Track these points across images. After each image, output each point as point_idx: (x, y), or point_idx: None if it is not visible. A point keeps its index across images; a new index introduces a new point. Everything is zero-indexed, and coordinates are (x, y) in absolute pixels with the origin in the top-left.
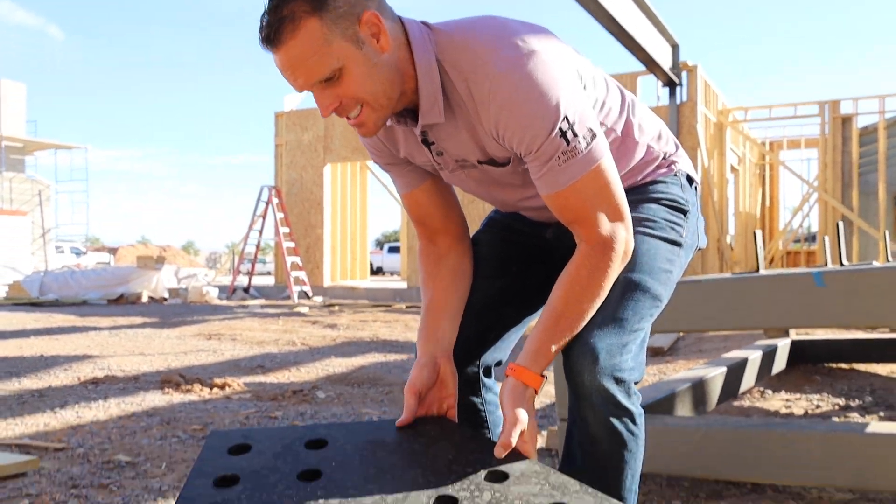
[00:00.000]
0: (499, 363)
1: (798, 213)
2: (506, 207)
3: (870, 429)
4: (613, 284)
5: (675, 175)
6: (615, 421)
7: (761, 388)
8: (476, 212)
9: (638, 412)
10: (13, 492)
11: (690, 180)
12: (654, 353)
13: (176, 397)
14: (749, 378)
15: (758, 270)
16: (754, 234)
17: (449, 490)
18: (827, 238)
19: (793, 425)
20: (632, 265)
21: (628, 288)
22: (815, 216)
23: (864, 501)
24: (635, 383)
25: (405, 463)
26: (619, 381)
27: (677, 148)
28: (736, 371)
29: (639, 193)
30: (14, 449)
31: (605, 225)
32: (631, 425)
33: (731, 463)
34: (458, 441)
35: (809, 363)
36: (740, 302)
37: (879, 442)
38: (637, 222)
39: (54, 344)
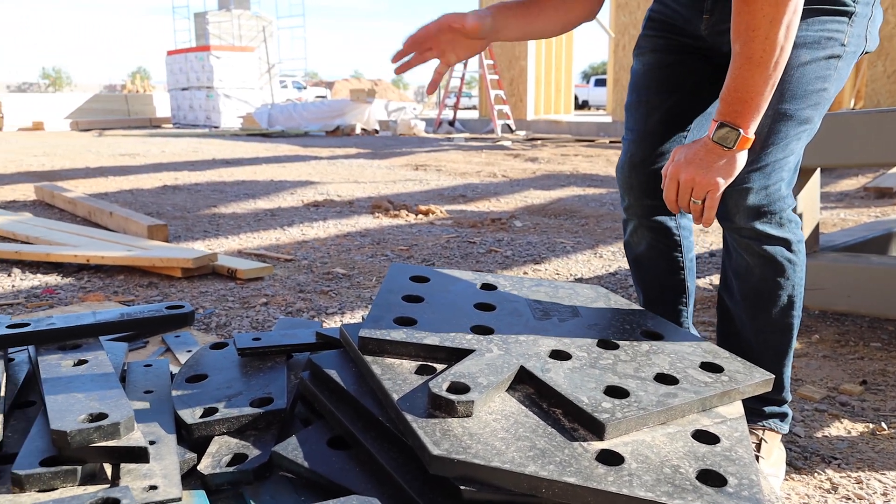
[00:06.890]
0: None
1: None
2: None
3: None
4: (762, 118)
5: None
6: (769, 249)
7: None
8: None
9: (796, 238)
10: (254, 291)
11: None
12: (881, 195)
13: (385, 221)
14: None
15: None
16: None
17: (611, 338)
18: None
19: None
20: (779, 93)
21: (775, 120)
22: None
23: None
24: (791, 209)
25: (567, 314)
26: (769, 215)
27: None
28: None
29: None
30: (253, 258)
31: None
32: (786, 252)
33: None
34: (614, 303)
35: None
36: None
37: None
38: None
39: (281, 171)
